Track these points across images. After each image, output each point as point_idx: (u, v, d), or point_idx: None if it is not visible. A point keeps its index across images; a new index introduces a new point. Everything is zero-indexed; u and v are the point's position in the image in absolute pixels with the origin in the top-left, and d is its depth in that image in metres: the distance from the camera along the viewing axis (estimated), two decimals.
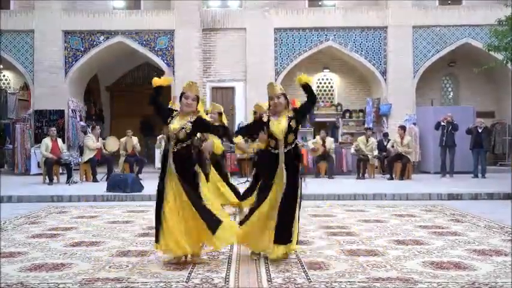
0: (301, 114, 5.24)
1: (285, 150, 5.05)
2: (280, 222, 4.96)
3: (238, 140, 7.08)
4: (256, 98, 16.41)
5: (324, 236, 6.36)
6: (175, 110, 5.15)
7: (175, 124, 4.96)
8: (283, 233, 4.97)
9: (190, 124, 4.95)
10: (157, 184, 5.04)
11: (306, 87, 5.13)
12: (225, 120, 7.88)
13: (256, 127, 5.52)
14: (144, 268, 4.82)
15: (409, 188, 11.43)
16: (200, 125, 5.08)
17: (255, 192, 5.65)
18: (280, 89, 5.22)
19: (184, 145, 4.95)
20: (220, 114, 7.85)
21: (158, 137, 14.50)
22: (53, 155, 12.85)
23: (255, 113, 7.21)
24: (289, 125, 5.06)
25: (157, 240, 4.93)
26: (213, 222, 4.85)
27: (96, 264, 4.98)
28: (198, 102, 5.11)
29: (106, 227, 7.19)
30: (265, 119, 5.20)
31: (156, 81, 5.11)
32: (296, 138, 5.19)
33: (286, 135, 5.05)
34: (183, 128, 4.93)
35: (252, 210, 5.22)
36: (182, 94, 5.05)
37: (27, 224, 7.48)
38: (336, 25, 16.60)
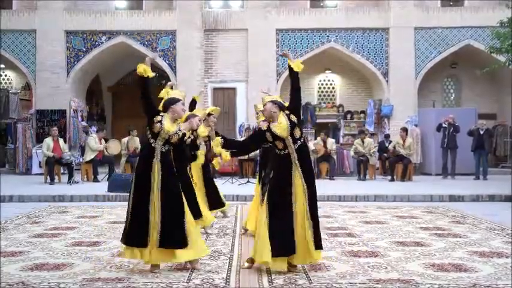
0: (293, 105, 4.97)
1: (295, 147, 4.81)
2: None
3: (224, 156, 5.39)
4: (258, 99, 16.41)
5: (325, 237, 6.34)
6: (160, 111, 4.94)
7: (169, 126, 4.84)
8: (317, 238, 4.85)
9: (182, 133, 4.95)
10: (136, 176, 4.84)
11: (294, 74, 4.96)
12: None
13: (259, 137, 5.12)
14: (145, 268, 4.82)
15: (411, 190, 11.41)
16: (182, 142, 5.10)
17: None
18: (264, 103, 5.00)
19: (171, 148, 4.91)
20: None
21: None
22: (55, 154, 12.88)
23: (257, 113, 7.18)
24: (290, 120, 4.82)
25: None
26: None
27: (97, 264, 4.98)
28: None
29: (107, 227, 7.21)
30: (264, 127, 4.94)
31: (145, 70, 4.82)
32: (302, 133, 4.93)
33: (292, 131, 4.81)
34: (176, 133, 4.89)
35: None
36: (177, 100, 4.94)
37: (28, 223, 7.49)
38: (337, 26, 16.58)
